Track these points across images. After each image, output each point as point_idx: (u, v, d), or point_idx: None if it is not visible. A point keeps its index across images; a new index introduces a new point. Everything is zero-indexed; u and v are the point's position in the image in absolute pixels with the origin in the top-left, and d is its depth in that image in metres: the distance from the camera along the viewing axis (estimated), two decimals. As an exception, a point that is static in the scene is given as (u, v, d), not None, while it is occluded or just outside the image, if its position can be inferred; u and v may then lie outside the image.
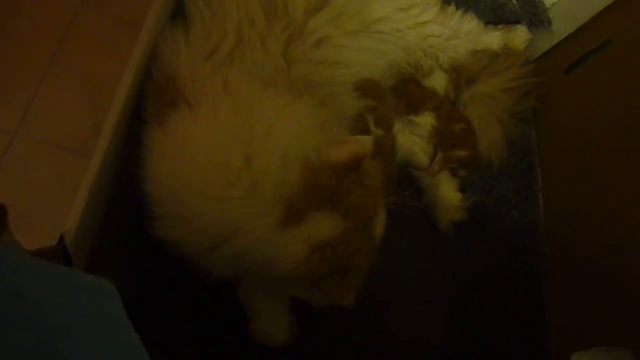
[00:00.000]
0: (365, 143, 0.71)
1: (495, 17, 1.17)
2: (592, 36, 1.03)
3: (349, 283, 0.69)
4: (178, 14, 0.89)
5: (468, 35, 1.07)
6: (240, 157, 0.68)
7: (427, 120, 1.06)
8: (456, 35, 1.06)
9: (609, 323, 0.82)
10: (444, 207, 1.03)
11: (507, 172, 1.06)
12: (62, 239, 0.73)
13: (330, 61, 0.90)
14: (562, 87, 1.08)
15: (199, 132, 0.72)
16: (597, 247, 0.90)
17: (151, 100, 0.81)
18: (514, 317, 0.97)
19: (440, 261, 1.03)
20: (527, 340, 0.96)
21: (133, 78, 0.82)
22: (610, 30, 0.99)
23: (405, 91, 1.07)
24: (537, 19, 1.15)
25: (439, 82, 1.08)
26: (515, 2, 1.14)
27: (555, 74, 1.10)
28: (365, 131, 0.97)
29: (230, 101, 0.73)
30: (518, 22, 1.15)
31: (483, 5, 1.16)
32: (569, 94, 1.07)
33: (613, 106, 0.96)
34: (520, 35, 1.13)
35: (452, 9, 1.06)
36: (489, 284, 1.00)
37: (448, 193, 1.04)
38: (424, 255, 1.03)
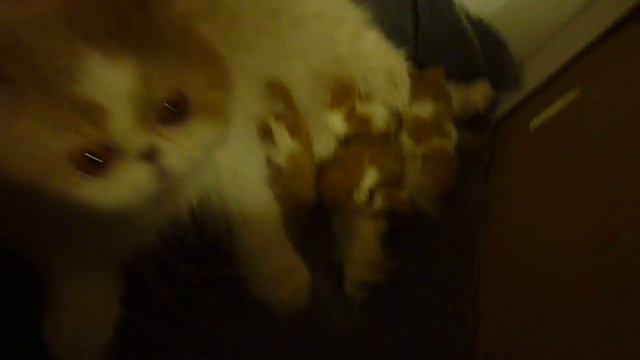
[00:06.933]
0: None
1: (459, 74, 1.03)
2: (560, 87, 0.88)
3: None
4: None
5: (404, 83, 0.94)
6: None
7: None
8: (392, 80, 0.92)
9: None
10: (356, 262, 0.81)
11: (443, 226, 0.85)
12: None
13: (242, 45, 0.76)
14: (526, 144, 0.91)
15: None
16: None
17: None
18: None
19: (334, 334, 0.76)
20: None
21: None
22: (579, 78, 0.83)
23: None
24: (503, 75, 1.00)
25: (378, 112, 0.92)
26: (482, 56, 1.00)
27: (518, 131, 0.93)
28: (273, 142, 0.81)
29: None
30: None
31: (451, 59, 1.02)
32: (533, 152, 0.88)
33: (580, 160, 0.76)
34: (479, 90, 0.99)
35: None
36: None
37: (365, 245, 0.82)
38: (313, 323, 0.76)
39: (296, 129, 0.81)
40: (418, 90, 0.95)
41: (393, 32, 1.02)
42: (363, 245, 0.81)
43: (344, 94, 0.90)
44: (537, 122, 0.89)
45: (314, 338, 0.75)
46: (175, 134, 0.48)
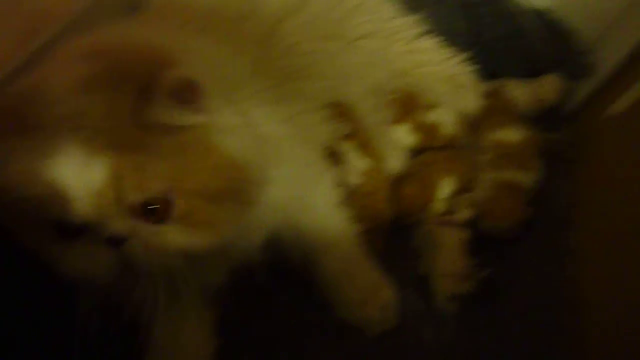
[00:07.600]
0: None
1: (525, 70, 0.99)
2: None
3: None
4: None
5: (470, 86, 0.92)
6: None
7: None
8: (457, 84, 0.90)
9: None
10: (443, 274, 0.78)
11: (531, 229, 0.80)
12: None
13: (300, 73, 0.77)
14: (606, 131, 0.85)
15: None
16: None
17: None
18: None
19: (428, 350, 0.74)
20: None
21: None
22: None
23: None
24: (574, 64, 0.96)
25: (445, 118, 0.90)
26: (547, 49, 0.96)
27: (599, 119, 0.88)
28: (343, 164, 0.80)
29: None
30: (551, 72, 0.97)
31: (514, 56, 0.99)
32: (614, 138, 0.83)
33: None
34: (550, 82, 0.94)
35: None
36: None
37: (450, 256, 0.79)
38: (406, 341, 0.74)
39: (365, 147, 0.81)
40: (504, 113, 0.91)
41: (451, 38, 1.00)
42: (448, 256, 0.79)
43: (408, 105, 0.88)
44: (619, 106, 0.84)
45: (408, 356, 0.73)
46: (147, 229, 0.47)
